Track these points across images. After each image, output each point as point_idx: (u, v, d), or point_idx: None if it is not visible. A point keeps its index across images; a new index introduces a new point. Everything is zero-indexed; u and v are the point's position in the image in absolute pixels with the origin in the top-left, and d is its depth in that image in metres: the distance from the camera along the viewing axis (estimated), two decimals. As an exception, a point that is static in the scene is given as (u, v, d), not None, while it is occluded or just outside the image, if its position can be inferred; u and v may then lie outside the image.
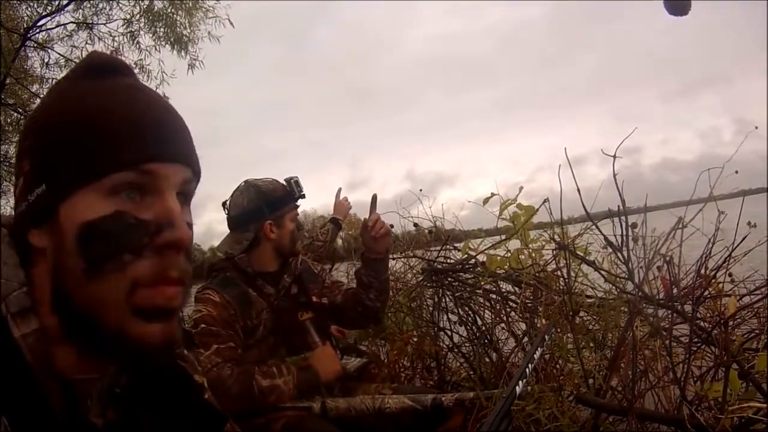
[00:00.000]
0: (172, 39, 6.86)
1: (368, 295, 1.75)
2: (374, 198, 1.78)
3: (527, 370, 0.88)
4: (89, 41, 6.98)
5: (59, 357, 0.50)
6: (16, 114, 7.31)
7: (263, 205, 1.75)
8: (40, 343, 0.48)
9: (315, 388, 1.63)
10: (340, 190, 2.61)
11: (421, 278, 2.63)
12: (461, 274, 2.49)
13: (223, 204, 1.82)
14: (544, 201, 1.89)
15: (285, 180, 1.82)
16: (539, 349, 1.01)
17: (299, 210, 1.86)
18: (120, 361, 0.53)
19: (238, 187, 1.79)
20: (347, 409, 1.60)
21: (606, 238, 1.67)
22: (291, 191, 1.80)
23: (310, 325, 1.76)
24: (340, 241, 2.71)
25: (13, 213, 0.51)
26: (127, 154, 0.47)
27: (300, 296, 1.80)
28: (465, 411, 1.60)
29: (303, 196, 1.83)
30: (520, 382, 0.83)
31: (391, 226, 2.99)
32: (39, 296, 0.49)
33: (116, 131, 0.47)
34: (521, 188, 2.05)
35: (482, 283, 2.31)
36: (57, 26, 6.96)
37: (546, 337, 1.23)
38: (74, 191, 0.46)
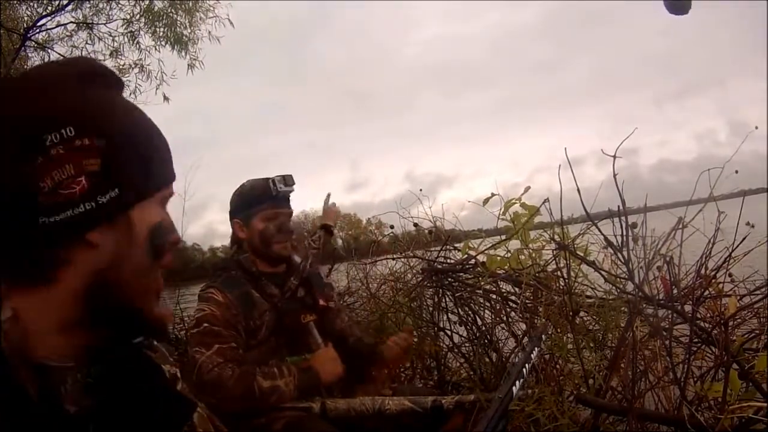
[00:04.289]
0: (172, 39, 6.84)
1: (352, 360, 1.78)
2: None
3: (524, 371, 0.87)
4: (89, 41, 6.95)
5: (40, 345, 0.52)
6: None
7: (237, 203, 1.79)
8: (14, 330, 0.49)
9: (316, 389, 1.63)
10: (329, 195, 2.53)
11: (421, 278, 2.63)
12: (461, 274, 2.49)
13: None
14: (544, 201, 1.88)
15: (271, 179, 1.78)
16: (536, 350, 1.00)
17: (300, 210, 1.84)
18: (136, 336, 0.62)
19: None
20: (347, 409, 1.60)
21: (606, 239, 1.67)
22: (266, 190, 1.75)
23: (313, 327, 1.76)
24: (339, 241, 2.70)
25: (56, 209, 0.50)
26: (169, 173, 0.60)
27: (306, 298, 1.80)
28: (465, 413, 1.60)
29: (279, 194, 1.75)
30: (517, 383, 0.82)
31: (391, 226, 3.00)
32: (63, 291, 0.53)
33: (164, 151, 0.59)
34: (528, 187, 2.04)
35: (482, 283, 2.31)
36: (57, 26, 6.93)
37: (543, 337, 1.22)
38: (145, 198, 0.56)
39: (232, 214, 1.79)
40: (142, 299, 0.57)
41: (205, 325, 1.59)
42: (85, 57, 0.67)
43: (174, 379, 0.67)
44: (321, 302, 1.80)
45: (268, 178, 1.78)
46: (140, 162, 0.56)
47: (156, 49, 6.97)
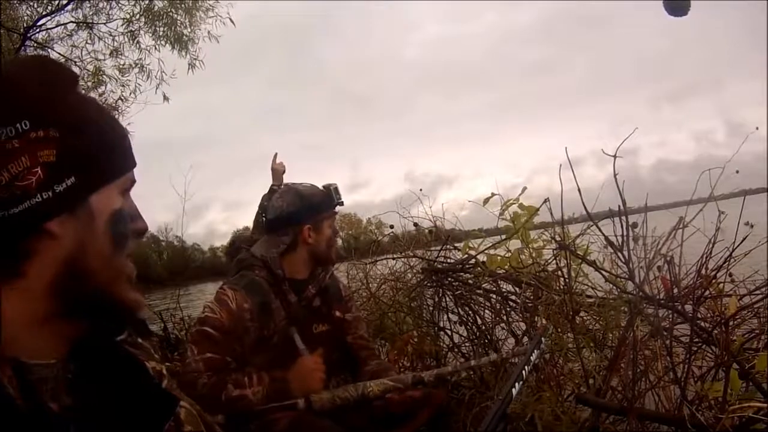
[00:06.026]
0: (172, 39, 6.84)
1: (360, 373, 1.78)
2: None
3: (524, 372, 0.87)
4: (89, 41, 6.95)
5: (18, 341, 0.52)
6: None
7: (303, 208, 1.74)
8: None
9: (289, 397, 1.60)
10: (276, 155, 2.51)
11: (421, 278, 2.63)
12: (461, 274, 2.49)
13: (261, 205, 1.86)
14: (545, 201, 1.89)
15: (324, 186, 1.81)
16: (535, 351, 1.00)
17: None
18: (113, 323, 0.61)
19: (270, 190, 1.84)
20: (332, 398, 1.59)
21: (607, 238, 1.67)
22: (330, 197, 1.80)
23: (296, 336, 1.73)
24: (340, 241, 2.70)
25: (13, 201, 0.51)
26: (128, 161, 0.60)
27: (322, 308, 1.79)
28: (446, 386, 1.61)
29: (341, 203, 1.82)
30: (517, 385, 0.82)
31: (391, 226, 3.00)
32: (34, 284, 0.53)
33: (120, 139, 0.59)
34: (525, 188, 2.05)
35: (482, 283, 2.31)
36: (57, 26, 6.91)
37: (542, 339, 1.22)
38: (103, 186, 0.57)
39: (297, 219, 1.74)
40: (112, 286, 0.57)
41: (206, 328, 1.58)
42: (38, 55, 0.69)
43: (159, 376, 0.67)
44: (337, 313, 1.80)
45: (315, 185, 1.81)
46: (96, 151, 0.56)
47: (156, 48, 6.97)
